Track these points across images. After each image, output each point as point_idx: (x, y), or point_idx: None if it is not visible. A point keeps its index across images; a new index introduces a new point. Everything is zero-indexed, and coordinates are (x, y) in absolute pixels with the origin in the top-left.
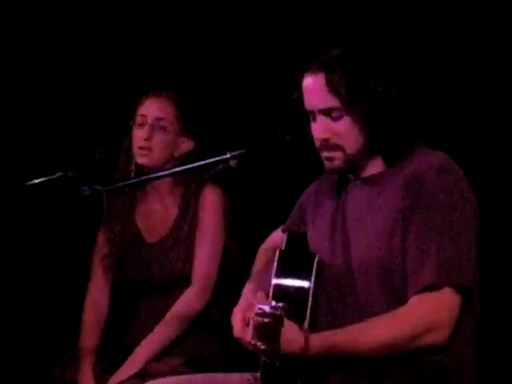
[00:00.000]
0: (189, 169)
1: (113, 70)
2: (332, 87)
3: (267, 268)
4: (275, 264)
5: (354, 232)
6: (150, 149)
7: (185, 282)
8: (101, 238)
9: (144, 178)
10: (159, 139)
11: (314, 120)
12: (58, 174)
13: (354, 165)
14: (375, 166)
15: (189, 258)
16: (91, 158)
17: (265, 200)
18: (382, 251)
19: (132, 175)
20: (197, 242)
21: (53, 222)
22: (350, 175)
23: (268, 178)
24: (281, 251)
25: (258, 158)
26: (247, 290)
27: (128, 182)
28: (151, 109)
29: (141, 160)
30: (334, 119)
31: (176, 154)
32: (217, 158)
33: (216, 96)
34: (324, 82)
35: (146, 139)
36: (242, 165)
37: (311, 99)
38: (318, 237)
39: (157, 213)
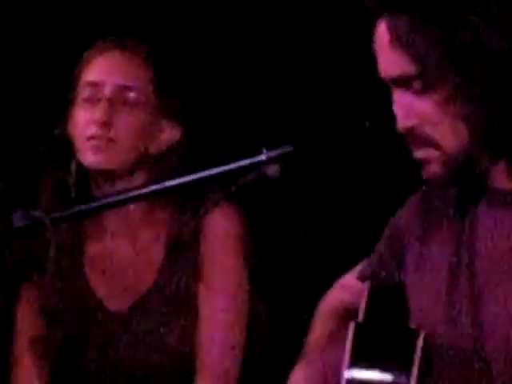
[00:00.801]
0: (187, 183)
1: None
2: (403, 40)
3: (331, 345)
4: (348, 345)
5: (489, 287)
6: (108, 139)
7: (181, 374)
8: (25, 305)
9: (106, 200)
10: (125, 123)
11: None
12: None
13: (470, 172)
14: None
15: (188, 333)
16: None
17: (323, 230)
18: None
19: (73, 192)
20: (203, 304)
21: None
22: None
23: (332, 192)
24: (357, 325)
25: (315, 159)
26: (297, 380)
27: (79, 209)
28: (109, 71)
29: (92, 159)
30: (416, 93)
31: (153, 150)
32: (242, 162)
33: (222, 45)
34: (387, 31)
35: (102, 123)
36: (286, 172)
37: (379, 60)
38: (425, 293)
39: (124, 258)
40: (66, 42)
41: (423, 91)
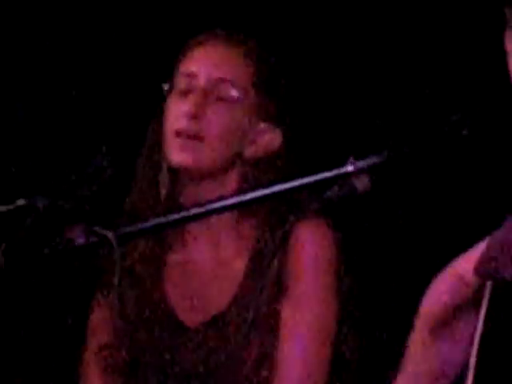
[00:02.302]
0: (275, 194)
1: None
2: None
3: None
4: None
5: None
6: (197, 135)
7: None
8: (98, 317)
9: (192, 212)
10: (217, 118)
11: None
12: (21, 203)
13: None
14: None
15: (268, 355)
16: (80, 171)
17: (417, 249)
18: None
19: (162, 197)
20: (287, 324)
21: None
22: None
23: (425, 207)
24: (482, 335)
25: (410, 171)
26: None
27: (157, 222)
28: (206, 62)
29: (181, 158)
30: None
31: (249, 154)
32: (330, 173)
33: (330, 52)
34: None
35: (191, 115)
36: (378, 185)
37: None
38: None
39: (204, 270)
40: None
41: None
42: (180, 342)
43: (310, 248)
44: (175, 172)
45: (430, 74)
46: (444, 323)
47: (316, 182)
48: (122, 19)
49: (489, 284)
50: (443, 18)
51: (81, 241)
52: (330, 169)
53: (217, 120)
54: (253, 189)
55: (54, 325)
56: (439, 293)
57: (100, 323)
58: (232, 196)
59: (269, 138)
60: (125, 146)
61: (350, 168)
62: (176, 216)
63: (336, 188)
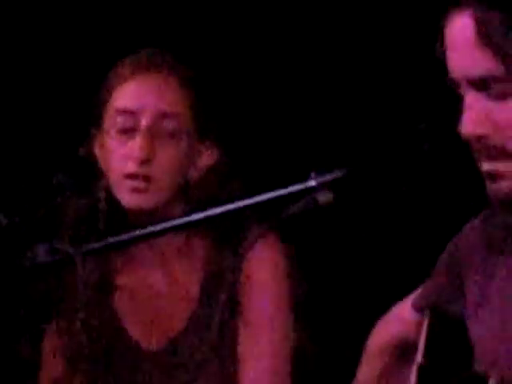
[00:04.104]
0: (227, 212)
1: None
2: (493, 37)
3: None
4: None
5: None
6: (149, 179)
7: None
8: (50, 345)
9: (140, 232)
10: (166, 157)
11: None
12: None
13: None
14: None
15: (230, 376)
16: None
17: (377, 260)
18: None
19: (102, 222)
20: (243, 344)
21: None
22: None
23: (388, 219)
24: (420, 367)
25: (370, 185)
26: None
27: (110, 241)
28: (145, 97)
29: (131, 200)
30: (496, 97)
31: (191, 177)
32: (292, 189)
33: (266, 63)
34: (473, 25)
35: (142, 161)
36: (340, 199)
37: (454, 57)
38: (489, 332)
39: (156, 293)
40: (91, 58)
41: (505, 96)
42: (137, 366)
43: (263, 266)
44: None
45: (393, 86)
46: (397, 359)
47: (279, 197)
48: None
49: (426, 318)
50: (405, 27)
51: (44, 259)
52: (292, 184)
53: (165, 158)
54: (202, 209)
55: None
56: (384, 333)
57: (52, 352)
58: (180, 217)
59: (207, 157)
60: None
61: (312, 183)
62: (126, 236)
63: (299, 203)
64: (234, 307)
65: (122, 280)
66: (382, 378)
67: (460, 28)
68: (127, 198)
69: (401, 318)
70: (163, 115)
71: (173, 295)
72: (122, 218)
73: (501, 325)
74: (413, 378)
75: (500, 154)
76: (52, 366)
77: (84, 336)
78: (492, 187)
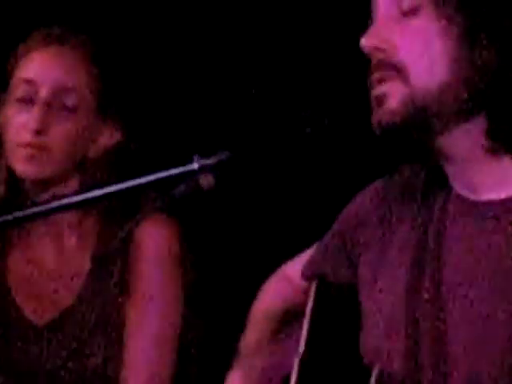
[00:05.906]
0: (117, 192)
1: None
2: None
3: (267, 351)
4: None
5: (455, 320)
6: (43, 148)
7: None
8: None
9: (38, 208)
10: (62, 130)
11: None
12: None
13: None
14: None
15: (113, 350)
16: None
17: (261, 242)
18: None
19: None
20: (130, 319)
21: None
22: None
23: (271, 203)
24: (301, 360)
25: (252, 168)
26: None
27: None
28: (46, 68)
29: (25, 168)
30: (405, 14)
31: (91, 155)
32: (175, 171)
33: (163, 44)
34: None
35: (36, 131)
36: (223, 182)
37: None
38: (381, 313)
39: (48, 269)
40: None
41: (415, 11)
42: (29, 341)
43: (152, 246)
44: (15, 177)
45: (280, 72)
46: (283, 323)
47: (161, 179)
48: None
49: (313, 286)
50: (291, 14)
51: None
52: (175, 166)
53: (61, 131)
54: (94, 187)
55: None
56: (271, 296)
57: None
58: (73, 195)
59: (108, 138)
60: None
61: (195, 166)
62: (17, 214)
63: (182, 186)
64: (123, 282)
65: (16, 255)
66: (268, 344)
67: None
68: (21, 166)
69: (289, 281)
70: (63, 89)
71: (64, 271)
72: (19, 193)
73: (394, 309)
74: (294, 372)
75: (390, 68)
76: None
77: None
78: (378, 112)
